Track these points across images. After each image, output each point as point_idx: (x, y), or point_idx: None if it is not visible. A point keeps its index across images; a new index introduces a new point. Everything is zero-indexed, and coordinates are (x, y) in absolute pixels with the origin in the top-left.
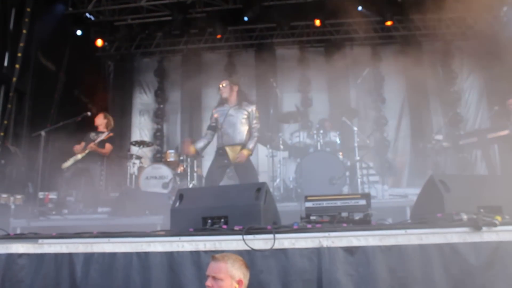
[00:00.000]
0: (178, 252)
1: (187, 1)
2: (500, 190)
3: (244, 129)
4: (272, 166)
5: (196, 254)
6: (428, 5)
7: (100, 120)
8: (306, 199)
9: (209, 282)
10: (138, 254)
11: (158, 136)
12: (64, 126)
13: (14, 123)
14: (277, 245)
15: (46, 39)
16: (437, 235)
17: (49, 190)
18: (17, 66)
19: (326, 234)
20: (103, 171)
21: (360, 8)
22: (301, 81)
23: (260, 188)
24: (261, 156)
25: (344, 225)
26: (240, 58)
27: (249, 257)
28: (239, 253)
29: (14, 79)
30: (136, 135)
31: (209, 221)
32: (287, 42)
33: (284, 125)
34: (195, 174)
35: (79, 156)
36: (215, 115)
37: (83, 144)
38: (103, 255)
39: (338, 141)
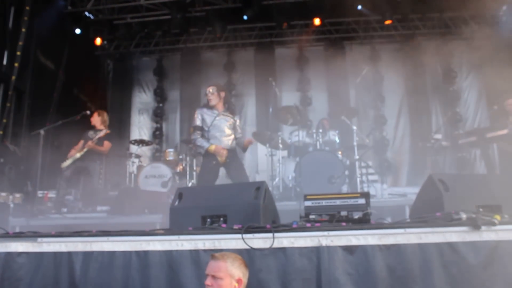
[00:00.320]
0: (177, 251)
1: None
2: (499, 189)
3: (229, 134)
4: (271, 165)
5: (195, 253)
6: (427, 4)
7: (95, 119)
8: (305, 198)
9: (208, 281)
10: (137, 252)
11: (157, 135)
12: (63, 125)
13: (13, 122)
14: (276, 244)
15: (45, 38)
16: (436, 234)
17: (48, 188)
18: (16, 64)
19: (325, 233)
20: (102, 170)
21: (359, 7)
22: (301, 80)
23: (259, 187)
24: (260, 155)
25: (343, 224)
26: (239, 57)
27: (248, 256)
28: (238, 252)
29: (13, 77)
30: (135, 134)
31: (208, 220)
32: (286, 41)
33: (283, 124)
34: (194, 173)
35: (78, 155)
36: (204, 117)
37: (81, 142)
38: (102, 253)
39: (337, 140)
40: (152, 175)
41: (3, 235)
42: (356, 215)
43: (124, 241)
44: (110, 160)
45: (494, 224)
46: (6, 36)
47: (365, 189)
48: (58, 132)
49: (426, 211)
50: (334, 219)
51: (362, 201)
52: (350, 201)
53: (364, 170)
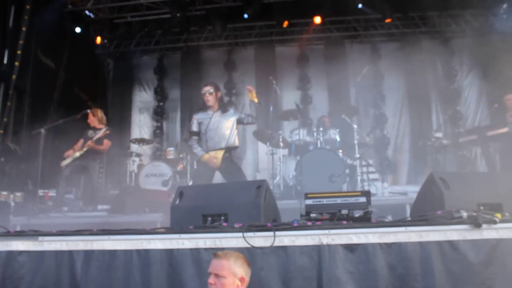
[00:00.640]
0: (178, 250)
1: None
2: (500, 188)
3: (227, 134)
4: (272, 163)
5: (196, 252)
6: (427, 3)
7: (91, 119)
8: (306, 196)
9: (211, 280)
10: (138, 251)
11: (158, 133)
12: (64, 124)
13: (13, 121)
14: (277, 243)
15: (46, 37)
16: (437, 233)
17: (48, 187)
18: (16, 63)
19: (326, 231)
20: (102, 169)
21: (360, 5)
22: (301, 79)
23: (260, 186)
24: (261, 154)
25: (344, 222)
26: (239, 56)
27: (249, 255)
28: (239, 250)
29: (14, 76)
30: (135, 133)
31: (209, 218)
32: (287, 40)
33: (284, 122)
34: None
35: (77, 154)
36: (200, 121)
37: (81, 141)
38: (103, 252)
39: (338, 138)
40: (152, 174)
41: (4, 234)
42: (357, 214)
43: (125, 239)
44: (110, 159)
45: (495, 222)
46: (7, 35)
47: (366, 188)
48: (58, 131)
49: (427, 210)
50: (335, 218)
51: (363, 199)
52: (351, 200)
53: (364, 169)
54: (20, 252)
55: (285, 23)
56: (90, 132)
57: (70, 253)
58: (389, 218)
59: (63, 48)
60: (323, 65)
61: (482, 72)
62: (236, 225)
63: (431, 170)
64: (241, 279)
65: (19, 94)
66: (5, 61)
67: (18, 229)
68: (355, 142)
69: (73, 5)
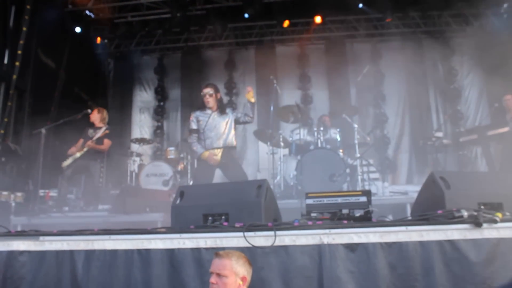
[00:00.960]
0: (179, 249)
1: None
2: (500, 187)
3: (225, 133)
4: (272, 163)
5: (197, 251)
6: (428, 2)
7: (95, 116)
8: (307, 196)
9: (213, 279)
10: (139, 251)
11: (158, 133)
12: (64, 124)
13: (14, 121)
14: (278, 242)
15: (46, 37)
16: (437, 232)
17: (49, 187)
18: (17, 63)
19: (327, 231)
20: (103, 168)
21: (360, 5)
22: (301, 78)
23: (261, 185)
24: (262, 153)
25: (345, 222)
26: (240, 56)
27: (250, 254)
28: (240, 250)
29: (14, 76)
30: (136, 133)
31: (210, 218)
32: (287, 39)
33: (284, 122)
34: None
35: (78, 154)
36: (198, 119)
37: (81, 141)
38: (104, 252)
39: (338, 138)
40: (153, 173)
41: (5, 234)
42: (358, 213)
43: (126, 239)
44: (111, 159)
45: (495, 222)
46: (7, 35)
47: (366, 187)
48: (59, 131)
49: (428, 209)
50: (335, 217)
51: (363, 199)
52: (352, 199)
53: (365, 168)
54: (21, 252)
55: (286, 23)
56: (90, 132)
57: (71, 253)
58: (390, 218)
59: (64, 48)
60: (323, 64)
61: (482, 72)
62: (237, 225)
63: (431, 170)
64: (243, 279)
65: (20, 94)
66: (5, 61)
67: (19, 229)
68: (356, 141)
69: (73, 5)
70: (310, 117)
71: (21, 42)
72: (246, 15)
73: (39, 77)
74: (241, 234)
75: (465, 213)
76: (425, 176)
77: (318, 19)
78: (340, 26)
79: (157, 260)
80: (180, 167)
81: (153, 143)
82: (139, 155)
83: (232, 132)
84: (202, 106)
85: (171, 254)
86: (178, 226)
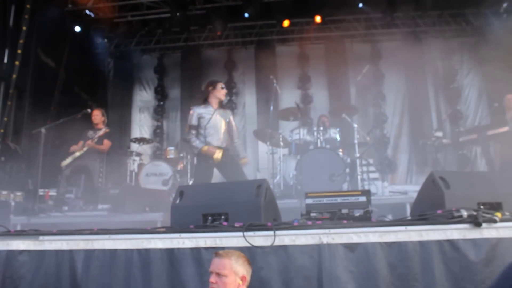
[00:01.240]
0: (178, 249)
1: None
2: (500, 187)
3: (224, 132)
4: (272, 163)
5: (196, 251)
6: (428, 2)
7: (99, 117)
8: (306, 196)
9: (213, 279)
10: (139, 250)
11: (158, 133)
12: (64, 123)
13: (14, 120)
14: (278, 242)
15: (46, 36)
16: (437, 232)
17: (49, 187)
18: (17, 63)
19: (327, 230)
20: (102, 168)
21: (360, 5)
22: (301, 78)
23: (261, 185)
24: (261, 153)
25: (344, 221)
26: (240, 55)
27: (249, 254)
28: (240, 249)
29: (14, 76)
30: (136, 132)
31: (210, 218)
32: (287, 39)
33: (284, 122)
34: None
35: (78, 154)
36: (201, 115)
37: (81, 143)
38: (103, 251)
39: (338, 138)
40: (153, 173)
41: (4, 233)
42: (357, 213)
43: (125, 239)
44: (110, 158)
45: (495, 222)
46: (7, 34)
47: (366, 187)
48: (59, 130)
49: (427, 209)
50: (335, 217)
51: (363, 198)
52: (351, 199)
53: (364, 168)
54: (21, 252)
55: (286, 23)
56: (90, 133)
57: (71, 252)
58: (389, 217)
59: (64, 47)
60: (323, 64)
61: (482, 71)
62: (237, 225)
63: (431, 170)
64: (242, 278)
65: (20, 93)
66: (5, 60)
67: (18, 228)
68: (355, 141)
69: (73, 4)
70: (310, 117)
71: (21, 41)
72: (246, 15)
73: (39, 76)
74: (240, 233)
75: (464, 213)
76: (425, 175)
77: (318, 19)
78: (340, 25)
79: (157, 260)
80: (179, 166)
81: (152, 142)
82: (138, 154)
83: (233, 138)
84: (204, 103)
85: (170, 253)
86: (178, 225)
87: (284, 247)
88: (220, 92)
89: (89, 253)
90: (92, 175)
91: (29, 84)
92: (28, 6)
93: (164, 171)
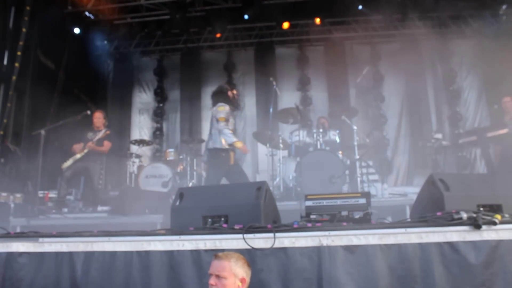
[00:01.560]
0: (178, 251)
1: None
2: (499, 189)
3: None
4: (272, 165)
5: (196, 253)
6: (427, 4)
7: (101, 120)
8: (306, 198)
9: (212, 281)
10: (139, 253)
11: (158, 135)
12: (64, 125)
13: (13, 122)
14: (277, 244)
15: (46, 38)
16: (437, 234)
17: (48, 188)
18: (16, 64)
19: (326, 233)
20: (102, 170)
21: (360, 7)
22: (301, 80)
23: (260, 187)
24: (261, 155)
25: (344, 224)
26: (239, 57)
27: (249, 256)
28: (240, 252)
29: (14, 77)
30: (135, 134)
31: (210, 220)
32: (286, 41)
33: (283, 123)
34: (194, 173)
35: (78, 156)
36: (233, 116)
37: (81, 144)
38: (103, 254)
39: (337, 140)
40: (152, 175)
41: (4, 235)
42: (357, 215)
43: (125, 241)
44: (110, 160)
45: (494, 224)
46: (7, 36)
47: (366, 189)
48: (58, 132)
49: (427, 211)
50: (335, 219)
51: (362, 201)
52: (351, 201)
53: (364, 170)
54: (20, 254)
55: (286, 25)
56: (90, 135)
57: (70, 254)
58: (389, 220)
59: (63, 49)
60: (323, 66)
61: (481, 73)
62: (236, 227)
63: (431, 171)
64: (242, 280)
65: (19, 95)
66: (5, 62)
67: (18, 230)
68: (355, 143)
69: (73, 6)
70: (309, 119)
71: (21, 43)
72: (246, 17)
73: (38, 78)
74: (240, 236)
75: (464, 215)
76: (425, 177)
77: (317, 21)
78: (340, 27)
79: (157, 262)
80: (179, 168)
81: (152, 144)
82: (138, 156)
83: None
84: (229, 103)
85: (170, 256)
86: (178, 228)
87: (284, 249)
88: (236, 98)
89: (88, 255)
90: (92, 177)
91: (28, 86)
92: (28, 8)
93: (163, 173)
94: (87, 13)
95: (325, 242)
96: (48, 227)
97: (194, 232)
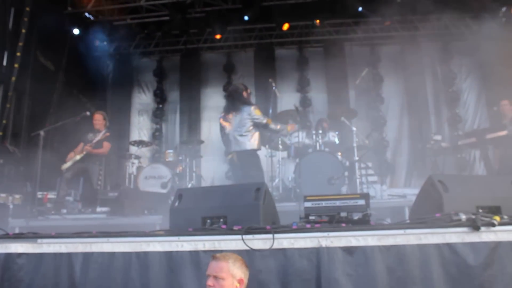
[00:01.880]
0: (177, 252)
1: (186, 1)
2: (498, 190)
3: None
4: (271, 166)
5: (195, 254)
6: (427, 6)
7: (101, 121)
8: (305, 199)
9: (210, 282)
10: (137, 254)
11: (157, 136)
12: (63, 126)
13: (13, 123)
14: (276, 245)
15: (45, 39)
16: (435, 235)
17: (47, 189)
18: (16, 65)
19: (325, 234)
20: (101, 171)
21: (360, 9)
22: (300, 81)
23: (259, 188)
24: (260, 156)
25: (343, 225)
26: (239, 58)
27: (248, 257)
28: (238, 253)
29: (13, 78)
30: (135, 135)
31: (208, 221)
32: (286, 42)
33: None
34: (194, 174)
35: (78, 157)
36: None
37: (81, 144)
38: (102, 254)
39: (337, 141)
40: (151, 176)
41: (3, 236)
42: (356, 216)
43: (124, 242)
44: (109, 161)
45: (493, 225)
46: (6, 37)
47: (365, 190)
48: (58, 133)
49: (426, 212)
50: (333, 220)
51: (361, 202)
52: (350, 202)
53: (363, 171)
54: (19, 255)
55: (285, 26)
56: (90, 135)
57: (69, 255)
58: (388, 221)
59: (63, 50)
60: (322, 67)
61: (481, 75)
62: (235, 228)
63: (430, 173)
64: (240, 281)
65: (19, 96)
66: (4, 63)
67: (17, 231)
68: (354, 144)
69: (73, 7)
70: (309, 120)
71: (20, 44)
72: (246, 18)
73: (38, 79)
74: (239, 237)
75: (463, 217)
76: (424, 179)
77: (317, 22)
78: (339, 29)
79: (155, 263)
80: (178, 169)
81: (151, 145)
82: (137, 157)
83: None
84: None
85: (169, 256)
86: (177, 228)
87: (282, 250)
88: (249, 97)
89: (87, 256)
90: (91, 178)
91: (28, 87)
92: (27, 8)
93: (163, 174)
94: (86, 14)
95: (324, 243)
96: (47, 228)
97: (193, 233)
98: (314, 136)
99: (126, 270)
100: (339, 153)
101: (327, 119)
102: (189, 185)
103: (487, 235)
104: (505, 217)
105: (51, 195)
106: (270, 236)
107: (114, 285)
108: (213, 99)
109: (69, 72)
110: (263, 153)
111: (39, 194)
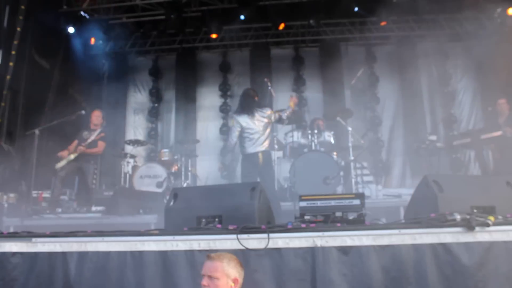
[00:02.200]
0: (172, 251)
1: (182, 0)
2: (493, 190)
3: None
4: None
5: (190, 253)
6: (422, 6)
7: (98, 119)
8: (300, 198)
9: (205, 282)
10: (132, 253)
11: (153, 135)
12: (58, 125)
13: (7, 122)
14: (271, 245)
15: (41, 37)
16: (430, 235)
17: (42, 188)
18: (11, 64)
19: (320, 233)
20: (96, 170)
21: (356, 9)
22: (296, 81)
23: (255, 188)
24: None
25: (338, 225)
26: (235, 58)
27: (243, 257)
28: (233, 252)
29: (8, 77)
30: (130, 134)
31: (204, 220)
32: (282, 42)
33: (278, 124)
34: (189, 173)
35: (72, 156)
36: None
37: (76, 142)
38: (97, 254)
39: (332, 141)
40: (147, 175)
41: None
42: (351, 216)
43: (119, 241)
44: (105, 160)
45: (488, 225)
46: (1, 35)
47: (360, 190)
48: (53, 132)
49: (421, 212)
50: (329, 220)
51: (357, 202)
52: (345, 202)
53: (359, 171)
54: (14, 254)
55: (281, 26)
56: (85, 133)
57: (64, 254)
58: (383, 221)
59: (58, 49)
60: (318, 67)
61: (476, 76)
62: (230, 227)
63: (425, 173)
64: (234, 280)
65: (13, 94)
66: None
67: (11, 230)
68: (350, 144)
69: (68, 6)
70: (304, 120)
71: (15, 42)
72: (242, 17)
73: (33, 77)
74: (234, 236)
75: (457, 217)
76: (419, 179)
77: (313, 22)
78: (335, 29)
79: (150, 262)
80: (174, 168)
81: (147, 144)
82: (133, 156)
83: None
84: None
85: (164, 256)
86: (172, 228)
87: (278, 250)
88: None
89: (82, 255)
90: (86, 177)
91: (23, 85)
92: (22, 7)
93: (158, 173)
94: (82, 13)
95: (319, 243)
96: (42, 227)
97: (188, 232)
98: (309, 136)
99: (121, 269)
100: (335, 153)
101: (321, 117)
102: (185, 185)
103: (481, 235)
104: (500, 217)
105: (46, 194)
106: (265, 235)
107: (109, 285)
108: (208, 99)
109: (64, 70)
110: None
111: (34, 193)
